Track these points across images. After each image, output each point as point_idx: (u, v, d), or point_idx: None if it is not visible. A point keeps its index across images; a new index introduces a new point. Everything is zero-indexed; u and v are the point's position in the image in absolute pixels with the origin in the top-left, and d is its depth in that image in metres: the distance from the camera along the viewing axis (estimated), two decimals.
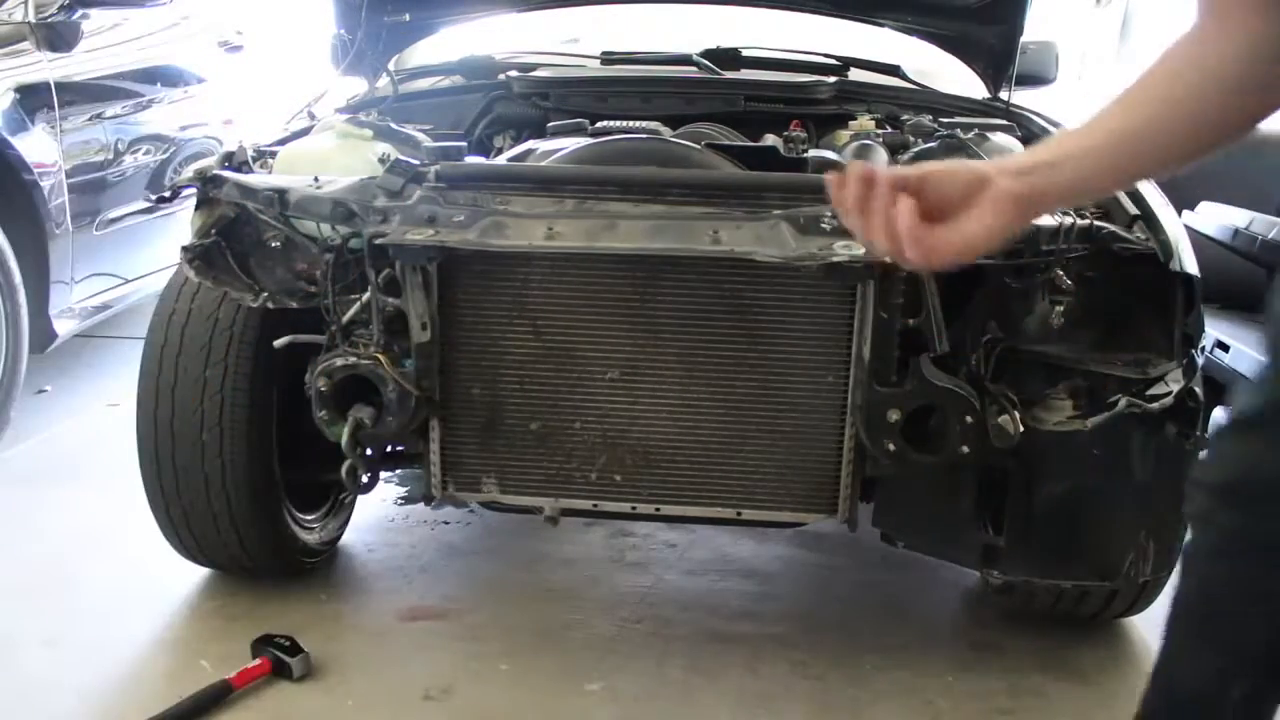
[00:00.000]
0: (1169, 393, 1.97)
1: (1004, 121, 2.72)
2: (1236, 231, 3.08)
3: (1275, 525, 1.29)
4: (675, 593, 2.60)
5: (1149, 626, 2.38)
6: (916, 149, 2.42)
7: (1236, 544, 1.33)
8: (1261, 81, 1.10)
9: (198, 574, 2.56)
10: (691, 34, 3.23)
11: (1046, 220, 1.99)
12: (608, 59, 3.14)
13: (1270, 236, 3.16)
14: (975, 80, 3.00)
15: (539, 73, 3.03)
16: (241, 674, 2.15)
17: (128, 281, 3.92)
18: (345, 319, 2.11)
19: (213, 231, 2.16)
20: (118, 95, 3.85)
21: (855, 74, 3.04)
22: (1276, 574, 1.30)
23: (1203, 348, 2.89)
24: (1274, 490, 1.28)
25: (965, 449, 2.02)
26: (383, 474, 2.50)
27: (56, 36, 3.50)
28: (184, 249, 2.17)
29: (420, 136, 2.43)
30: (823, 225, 1.95)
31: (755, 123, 2.77)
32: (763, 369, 2.07)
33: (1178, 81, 1.14)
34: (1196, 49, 1.13)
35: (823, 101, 2.91)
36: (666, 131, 2.48)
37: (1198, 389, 2.02)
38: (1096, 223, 2.00)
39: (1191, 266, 1.98)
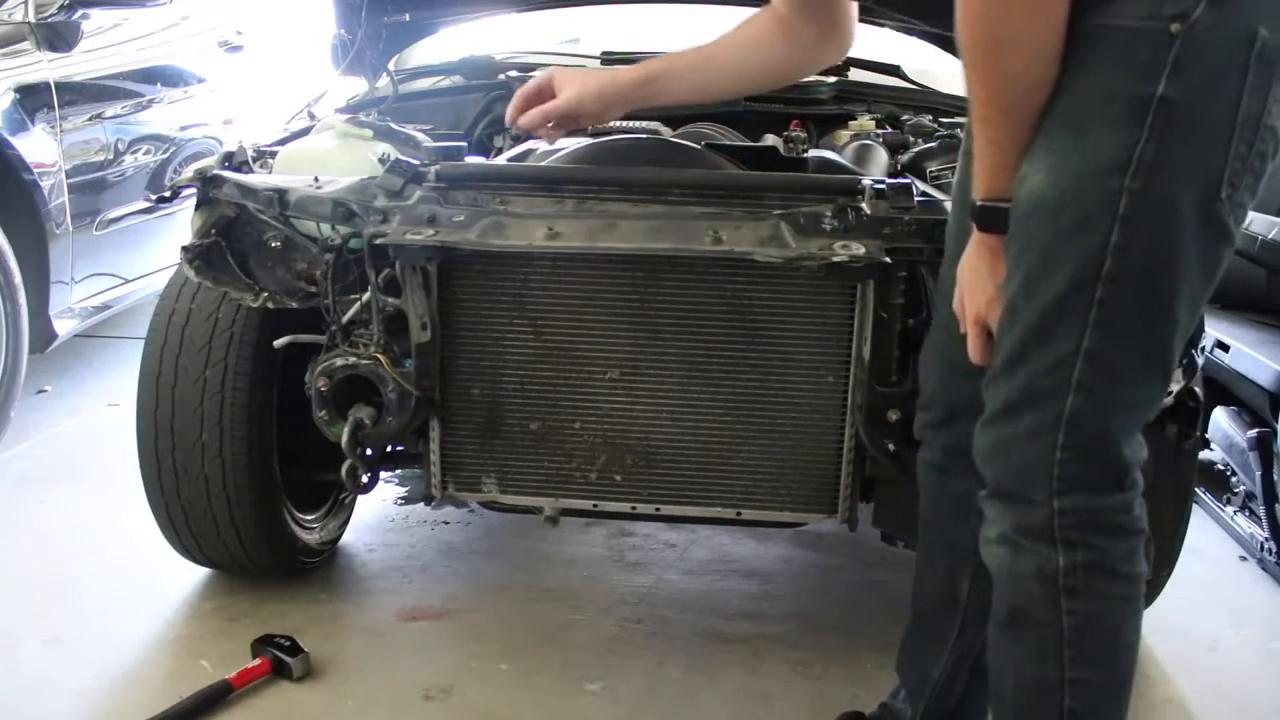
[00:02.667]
0: (1169, 393, 1.97)
1: None
2: None
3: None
4: (675, 593, 2.60)
5: (1149, 626, 2.37)
6: (916, 149, 2.42)
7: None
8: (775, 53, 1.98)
9: (198, 574, 2.56)
10: (691, 34, 3.23)
11: None
12: (608, 59, 3.14)
13: (1270, 236, 3.16)
14: None
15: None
16: (241, 674, 2.15)
17: (128, 281, 3.92)
18: (345, 319, 2.11)
19: (213, 231, 2.16)
20: (118, 95, 3.85)
21: (855, 74, 3.04)
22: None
23: (1203, 348, 2.89)
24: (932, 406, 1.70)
25: None
26: (383, 474, 2.50)
27: (56, 36, 3.50)
28: (184, 249, 2.17)
29: (420, 136, 2.43)
30: (823, 225, 1.95)
31: (755, 123, 2.77)
32: (763, 369, 2.07)
33: (745, 33, 1.97)
34: (766, 13, 1.94)
35: (823, 101, 2.91)
36: (666, 131, 2.48)
37: (1198, 389, 2.02)
38: None
39: None
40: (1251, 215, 3.06)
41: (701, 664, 2.31)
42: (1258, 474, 2.82)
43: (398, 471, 2.99)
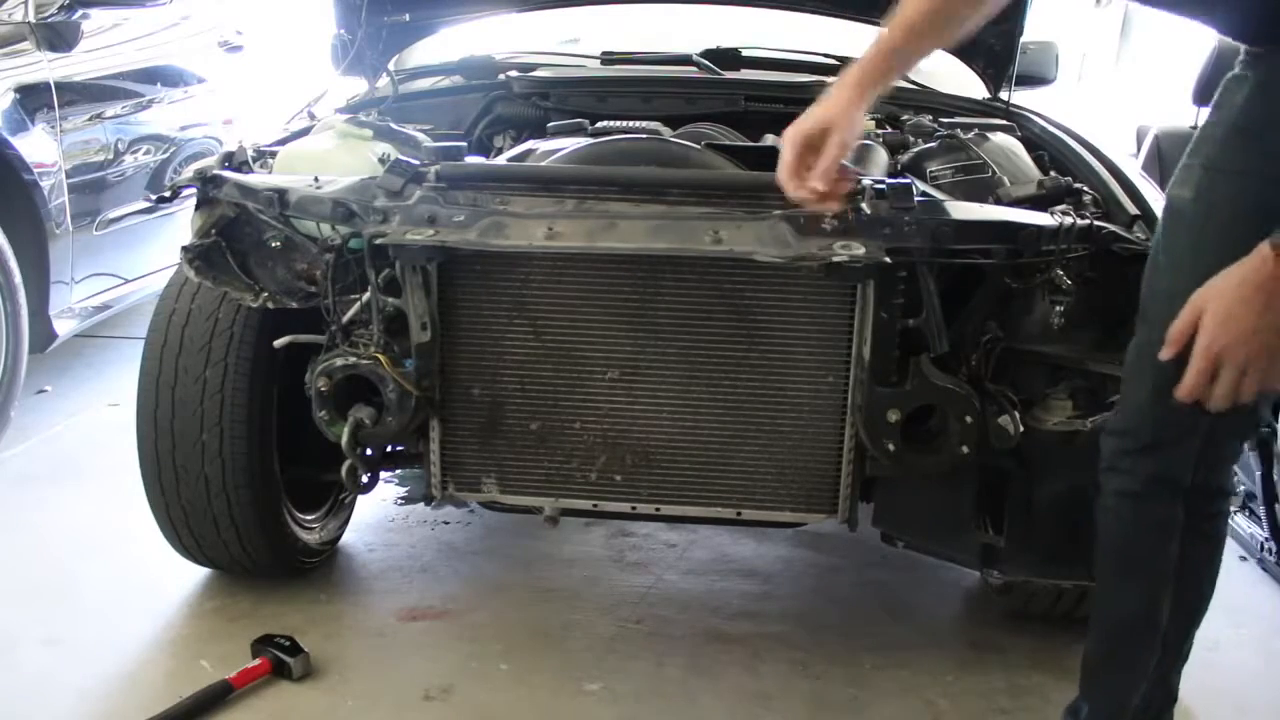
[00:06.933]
0: None
1: (1004, 121, 2.72)
2: None
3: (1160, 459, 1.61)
4: (675, 593, 2.60)
5: None
6: (916, 149, 2.42)
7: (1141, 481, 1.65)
8: None
9: (198, 574, 2.56)
10: (691, 34, 3.23)
11: (1046, 220, 1.99)
12: (608, 59, 3.14)
13: None
14: (975, 80, 3.00)
15: (539, 73, 3.03)
16: (241, 674, 2.15)
17: (128, 281, 3.92)
18: (345, 319, 2.11)
19: (213, 231, 2.16)
20: (118, 95, 3.84)
21: None
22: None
23: None
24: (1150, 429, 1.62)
25: (965, 449, 2.02)
26: (383, 474, 2.50)
27: (56, 36, 3.49)
28: (184, 249, 2.17)
29: (420, 136, 2.43)
30: (823, 225, 1.94)
31: (755, 123, 2.77)
32: (763, 369, 2.07)
33: None
34: None
35: None
36: (666, 131, 2.48)
37: None
38: (1096, 223, 2.00)
39: None
40: None
41: (701, 664, 2.31)
42: (1257, 474, 2.81)
43: (398, 471, 2.98)
